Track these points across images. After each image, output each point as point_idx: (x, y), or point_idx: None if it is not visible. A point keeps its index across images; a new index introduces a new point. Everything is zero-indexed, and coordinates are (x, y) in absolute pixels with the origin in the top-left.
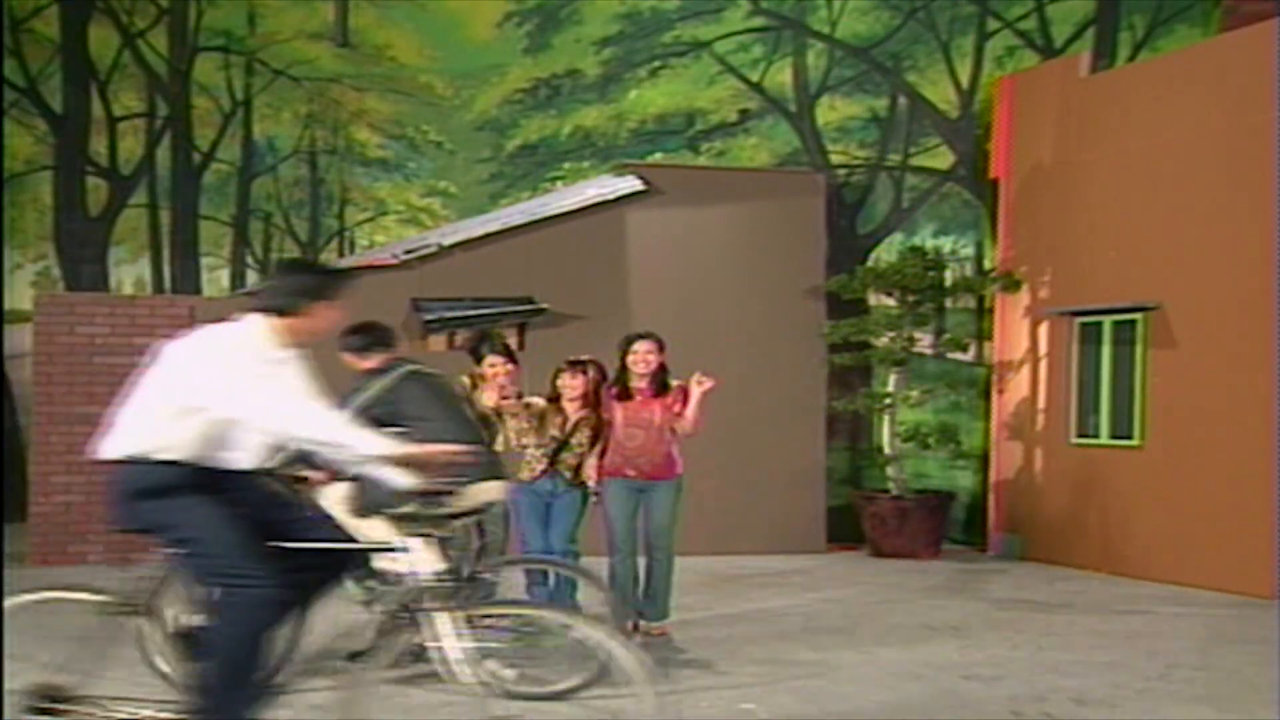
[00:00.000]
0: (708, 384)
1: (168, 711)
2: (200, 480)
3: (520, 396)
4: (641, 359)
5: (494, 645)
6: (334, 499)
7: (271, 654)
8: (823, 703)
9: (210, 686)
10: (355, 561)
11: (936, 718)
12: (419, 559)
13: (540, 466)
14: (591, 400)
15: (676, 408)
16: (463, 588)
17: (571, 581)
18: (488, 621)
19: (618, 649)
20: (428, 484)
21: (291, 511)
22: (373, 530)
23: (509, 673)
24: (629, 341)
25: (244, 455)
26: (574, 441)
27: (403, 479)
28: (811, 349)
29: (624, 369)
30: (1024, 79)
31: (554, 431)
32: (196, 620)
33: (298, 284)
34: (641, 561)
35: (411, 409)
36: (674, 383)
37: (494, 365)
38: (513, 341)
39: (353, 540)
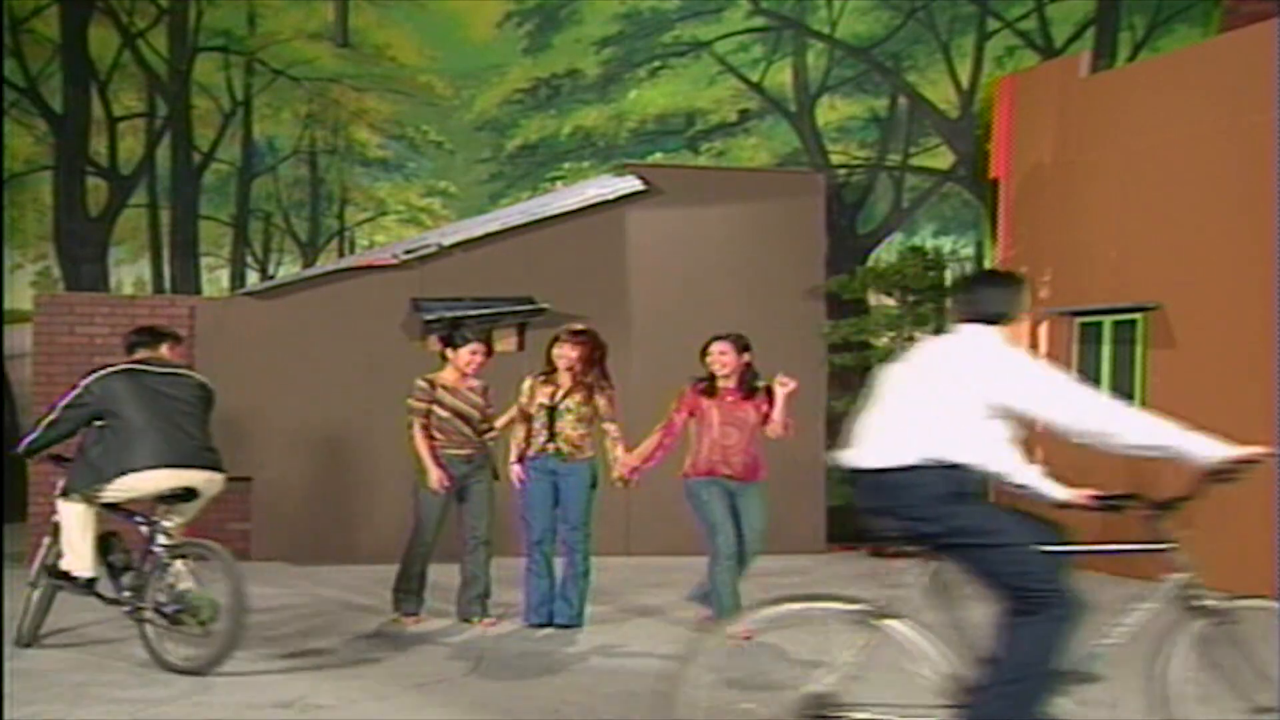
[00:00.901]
0: (790, 385)
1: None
2: (986, 485)
3: (486, 390)
4: (716, 359)
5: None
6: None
7: (1062, 664)
8: None
9: (993, 695)
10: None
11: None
12: (73, 561)
13: (541, 438)
14: (584, 369)
15: (764, 409)
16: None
17: (585, 571)
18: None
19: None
20: (1087, 500)
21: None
22: (65, 512)
23: (165, 648)
24: (708, 343)
25: (1005, 459)
26: (563, 407)
27: (1063, 493)
28: (811, 349)
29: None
30: (1024, 79)
31: (542, 399)
32: (974, 626)
33: (1010, 293)
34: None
35: (111, 405)
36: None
37: (475, 352)
38: (513, 341)
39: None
